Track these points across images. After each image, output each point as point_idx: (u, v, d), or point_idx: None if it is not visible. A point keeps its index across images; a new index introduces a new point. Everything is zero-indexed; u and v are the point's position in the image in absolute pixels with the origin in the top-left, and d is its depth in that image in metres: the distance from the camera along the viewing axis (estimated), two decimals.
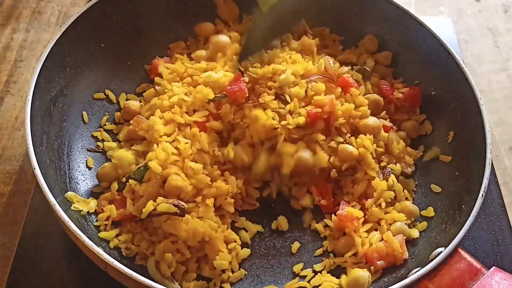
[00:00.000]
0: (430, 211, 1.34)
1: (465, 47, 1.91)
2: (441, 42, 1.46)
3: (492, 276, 1.07)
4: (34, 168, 1.16)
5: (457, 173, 1.35)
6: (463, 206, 1.24)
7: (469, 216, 1.17)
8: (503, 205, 1.50)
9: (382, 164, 1.39)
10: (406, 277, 1.11)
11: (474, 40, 1.95)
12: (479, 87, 1.38)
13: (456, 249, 1.13)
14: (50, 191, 1.14)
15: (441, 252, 1.13)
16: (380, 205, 1.32)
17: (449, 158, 1.39)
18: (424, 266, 1.11)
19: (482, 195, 1.20)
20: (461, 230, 1.14)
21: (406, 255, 1.24)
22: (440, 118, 1.46)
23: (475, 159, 1.29)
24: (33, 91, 1.27)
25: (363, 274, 1.20)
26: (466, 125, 1.38)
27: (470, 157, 1.32)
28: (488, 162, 1.24)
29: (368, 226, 1.30)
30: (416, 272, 1.11)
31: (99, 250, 1.08)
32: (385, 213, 1.32)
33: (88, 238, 1.10)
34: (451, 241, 1.13)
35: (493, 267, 1.09)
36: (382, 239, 1.27)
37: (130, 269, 1.07)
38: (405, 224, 1.30)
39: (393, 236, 1.25)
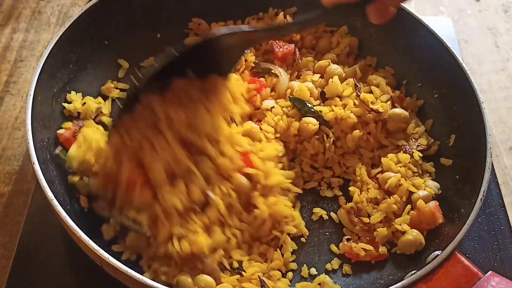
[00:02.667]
0: None
1: (465, 47, 1.91)
2: (444, 44, 1.46)
3: (488, 280, 1.07)
4: (34, 163, 1.17)
5: (457, 176, 1.35)
6: (462, 210, 1.23)
7: (467, 220, 1.17)
8: (503, 205, 1.50)
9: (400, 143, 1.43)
10: (402, 279, 1.11)
11: (474, 40, 1.94)
12: (479, 87, 1.37)
13: (453, 253, 1.12)
14: (48, 186, 1.14)
15: (438, 255, 1.13)
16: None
17: (450, 161, 1.39)
18: (421, 268, 1.11)
19: (481, 199, 1.19)
20: (459, 234, 1.14)
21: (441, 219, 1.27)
22: (443, 121, 1.46)
23: (475, 162, 1.28)
24: (35, 87, 1.28)
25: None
26: (468, 128, 1.37)
27: (471, 161, 1.32)
28: (488, 166, 1.24)
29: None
30: (412, 274, 1.11)
31: (94, 246, 1.09)
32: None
33: (84, 233, 1.10)
34: (448, 244, 1.13)
35: (490, 272, 1.09)
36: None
37: (126, 265, 1.08)
38: None
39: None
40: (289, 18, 1.60)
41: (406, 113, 1.44)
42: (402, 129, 1.46)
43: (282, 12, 1.62)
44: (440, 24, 1.92)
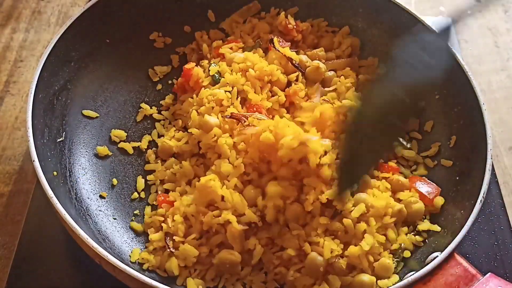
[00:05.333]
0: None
1: (465, 47, 1.91)
2: (446, 46, 1.45)
3: (487, 282, 1.07)
4: (34, 161, 1.17)
5: (457, 178, 1.35)
6: (461, 211, 1.23)
7: (466, 221, 1.17)
8: (503, 205, 1.50)
9: None
10: (400, 280, 1.11)
11: (474, 40, 1.94)
12: (479, 87, 1.38)
13: (452, 254, 1.12)
14: (48, 184, 1.15)
15: (437, 256, 1.12)
16: None
17: (450, 162, 1.39)
18: (419, 269, 1.11)
19: (481, 201, 1.19)
20: (458, 236, 1.14)
21: None
22: (444, 122, 1.46)
23: (475, 164, 1.28)
24: (36, 84, 1.28)
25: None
26: (469, 130, 1.37)
27: (471, 162, 1.32)
28: (488, 168, 1.24)
29: None
30: (411, 275, 1.11)
31: (93, 243, 1.09)
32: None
33: (83, 231, 1.10)
34: (447, 246, 1.12)
35: (489, 273, 1.09)
36: None
37: (124, 263, 1.08)
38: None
39: None
40: (290, 19, 1.60)
41: None
42: None
43: (284, 12, 1.62)
44: (440, 24, 1.92)
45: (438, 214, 1.32)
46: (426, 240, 1.28)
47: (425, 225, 1.29)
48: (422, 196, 1.32)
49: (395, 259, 1.24)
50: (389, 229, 1.25)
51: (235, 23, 1.66)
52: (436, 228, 1.27)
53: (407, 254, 1.25)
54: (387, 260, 1.20)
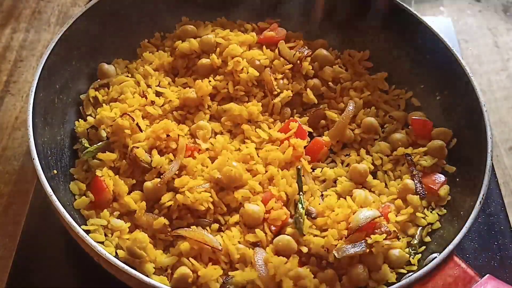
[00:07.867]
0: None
1: (465, 47, 1.91)
2: (447, 46, 1.45)
3: (485, 284, 1.07)
4: (34, 159, 1.17)
5: (457, 179, 1.34)
6: (461, 213, 1.23)
7: (466, 222, 1.16)
8: (503, 205, 1.50)
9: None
10: (398, 281, 1.11)
11: (474, 40, 1.95)
12: (479, 87, 1.37)
13: (450, 256, 1.12)
14: (48, 182, 1.15)
15: (435, 257, 1.12)
16: None
17: (453, 168, 1.37)
18: (418, 270, 1.11)
19: (480, 202, 1.19)
20: (456, 237, 1.14)
21: None
22: (444, 124, 1.44)
23: (475, 165, 1.28)
24: (37, 84, 1.28)
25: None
26: (469, 131, 1.37)
27: (471, 164, 1.31)
28: (488, 168, 1.24)
29: None
30: (409, 276, 1.11)
31: (92, 242, 1.09)
32: None
33: (82, 230, 1.10)
34: (446, 247, 1.12)
35: (487, 275, 1.09)
36: None
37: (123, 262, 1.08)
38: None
39: None
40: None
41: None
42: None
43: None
44: (440, 24, 1.92)
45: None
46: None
47: (433, 216, 1.29)
48: (427, 187, 1.32)
49: (412, 251, 1.24)
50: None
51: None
52: (438, 225, 1.28)
53: (421, 249, 1.25)
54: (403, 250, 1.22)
